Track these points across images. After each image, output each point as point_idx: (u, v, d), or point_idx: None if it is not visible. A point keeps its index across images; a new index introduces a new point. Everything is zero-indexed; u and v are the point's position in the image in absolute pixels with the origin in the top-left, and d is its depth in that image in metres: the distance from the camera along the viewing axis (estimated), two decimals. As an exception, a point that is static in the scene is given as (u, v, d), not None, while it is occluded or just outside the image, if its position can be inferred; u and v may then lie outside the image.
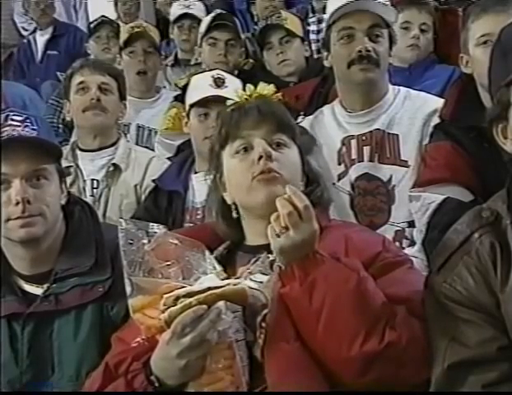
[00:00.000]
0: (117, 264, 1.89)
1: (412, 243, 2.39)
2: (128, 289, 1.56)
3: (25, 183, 1.90)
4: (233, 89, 2.65)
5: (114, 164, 2.99)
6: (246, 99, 1.78)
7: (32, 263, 1.97)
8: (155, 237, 1.60)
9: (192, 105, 2.78)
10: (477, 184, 2.20)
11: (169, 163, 3.07)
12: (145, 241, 1.59)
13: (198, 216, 2.71)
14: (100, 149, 3.02)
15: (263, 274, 1.60)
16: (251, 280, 1.57)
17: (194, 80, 2.87)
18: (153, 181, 2.89)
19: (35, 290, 1.97)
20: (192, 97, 2.79)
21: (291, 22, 3.69)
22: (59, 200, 2.00)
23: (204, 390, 1.54)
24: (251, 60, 3.90)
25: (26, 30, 5.97)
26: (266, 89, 1.78)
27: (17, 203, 1.89)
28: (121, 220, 1.64)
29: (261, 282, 1.57)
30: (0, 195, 1.91)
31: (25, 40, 5.79)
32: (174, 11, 4.57)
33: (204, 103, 2.72)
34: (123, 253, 1.57)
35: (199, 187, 2.69)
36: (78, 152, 3.03)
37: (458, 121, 2.31)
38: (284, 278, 1.56)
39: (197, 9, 4.49)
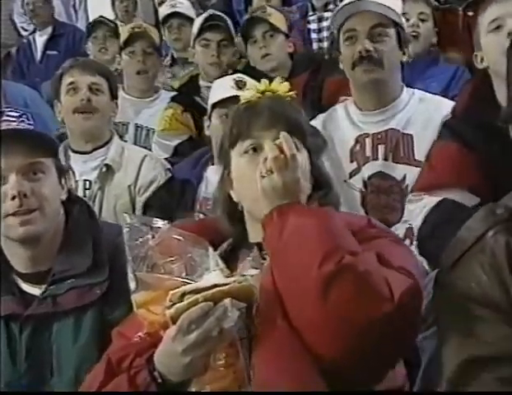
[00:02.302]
0: (116, 264, 1.91)
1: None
2: (132, 284, 1.56)
3: (21, 177, 1.89)
4: None
5: (106, 165, 2.98)
6: (259, 97, 1.76)
7: (31, 262, 1.96)
8: (159, 232, 1.60)
9: (213, 106, 2.84)
10: (485, 185, 2.19)
11: (163, 161, 3.12)
12: (149, 236, 1.59)
13: (209, 207, 2.74)
14: (93, 150, 3.02)
15: (255, 268, 1.61)
16: (243, 275, 1.57)
17: (216, 82, 2.96)
18: (168, 170, 2.94)
19: (33, 290, 1.97)
20: (213, 98, 2.86)
21: (275, 18, 3.74)
22: (58, 195, 1.99)
23: (207, 387, 1.54)
24: (244, 60, 3.91)
25: (26, 30, 5.97)
26: (281, 86, 1.78)
27: (13, 198, 1.87)
28: (125, 215, 1.63)
29: (252, 276, 1.57)
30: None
31: (24, 41, 5.78)
32: (162, 12, 4.60)
33: (226, 104, 2.76)
34: (127, 248, 1.57)
35: (214, 178, 2.69)
36: (70, 153, 3.03)
37: (469, 117, 2.30)
38: (264, 224, 1.60)
39: (185, 7, 4.50)
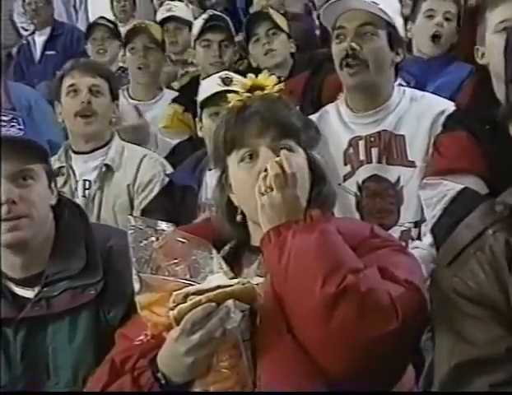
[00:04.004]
0: (111, 267, 1.93)
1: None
2: (137, 286, 1.57)
3: (10, 184, 1.88)
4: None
5: (106, 165, 2.98)
6: (249, 97, 1.75)
7: (23, 268, 1.96)
8: (163, 235, 1.61)
9: (202, 107, 2.83)
10: (491, 176, 2.19)
11: (163, 160, 3.11)
12: (153, 239, 1.60)
13: (203, 220, 2.70)
14: (93, 150, 3.01)
15: (260, 276, 1.62)
16: (248, 281, 1.57)
17: (203, 82, 2.96)
18: (166, 175, 2.92)
19: (26, 293, 1.96)
20: (201, 96, 2.86)
21: (277, 17, 3.78)
22: (48, 200, 1.98)
23: (210, 388, 1.54)
24: (246, 61, 3.93)
25: (26, 30, 5.96)
26: (268, 79, 1.77)
27: (2, 204, 1.87)
28: (130, 217, 1.64)
29: (257, 284, 1.58)
30: None
31: (24, 41, 5.78)
32: (158, 16, 4.60)
33: (214, 102, 2.76)
34: (131, 249, 1.58)
35: (213, 183, 2.69)
36: (71, 154, 3.02)
37: (473, 112, 2.30)
38: (262, 245, 1.59)
39: (180, 10, 4.52)
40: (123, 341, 1.72)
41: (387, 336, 1.47)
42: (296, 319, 1.52)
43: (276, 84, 1.76)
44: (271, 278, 1.58)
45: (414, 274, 1.59)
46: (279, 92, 1.76)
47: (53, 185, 2.01)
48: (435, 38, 3.37)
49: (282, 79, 3.47)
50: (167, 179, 2.93)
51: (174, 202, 2.82)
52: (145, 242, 1.59)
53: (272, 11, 3.81)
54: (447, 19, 3.40)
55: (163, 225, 1.63)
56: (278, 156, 1.64)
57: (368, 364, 1.48)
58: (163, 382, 1.57)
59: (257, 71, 3.54)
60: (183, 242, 1.62)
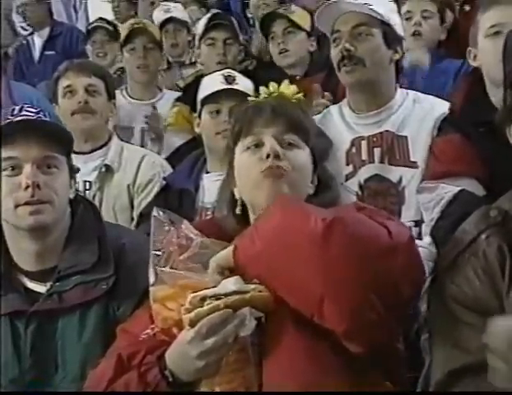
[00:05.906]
0: (122, 264, 1.95)
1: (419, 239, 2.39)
2: (152, 278, 1.57)
3: (36, 169, 1.91)
4: (243, 86, 2.70)
5: (106, 166, 2.98)
6: (266, 97, 1.79)
7: (38, 258, 1.96)
8: (181, 230, 1.62)
9: (203, 103, 2.80)
10: (487, 178, 2.20)
11: (163, 161, 3.11)
12: (173, 233, 1.61)
13: (208, 217, 2.68)
14: (92, 151, 3.01)
15: None
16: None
17: (205, 79, 2.92)
18: (164, 179, 2.91)
19: (39, 287, 1.97)
20: (202, 93, 2.82)
21: (298, 15, 3.73)
22: (68, 193, 2.01)
23: (215, 389, 1.54)
24: (254, 61, 3.94)
25: (26, 30, 5.94)
26: (288, 88, 1.80)
27: (27, 187, 1.89)
28: (155, 208, 1.65)
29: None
30: (1, 180, 1.92)
31: (23, 41, 5.76)
32: (157, 17, 4.55)
33: (216, 99, 2.75)
34: (152, 242, 1.59)
35: (210, 186, 2.69)
36: (72, 155, 3.01)
37: (467, 115, 2.31)
38: (238, 247, 1.58)
39: (178, 11, 4.49)
40: (124, 336, 1.72)
41: (384, 248, 1.47)
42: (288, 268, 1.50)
43: (296, 93, 1.80)
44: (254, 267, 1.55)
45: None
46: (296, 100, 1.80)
47: (72, 181, 2.04)
48: (415, 33, 3.40)
49: (298, 78, 3.51)
50: (163, 182, 2.92)
51: (171, 206, 2.78)
52: (165, 235, 1.60)
53: (293, 9, 3.74)
54: (425, 17, 3.42)
55: (184, 221, 1.65)
56: (283, 148, 1.68)
57: (372, 285, 1.46)
58: (170, 379, 1.55)
59: (268, 65, 3.58)
60: (200, 241, 1.62)
